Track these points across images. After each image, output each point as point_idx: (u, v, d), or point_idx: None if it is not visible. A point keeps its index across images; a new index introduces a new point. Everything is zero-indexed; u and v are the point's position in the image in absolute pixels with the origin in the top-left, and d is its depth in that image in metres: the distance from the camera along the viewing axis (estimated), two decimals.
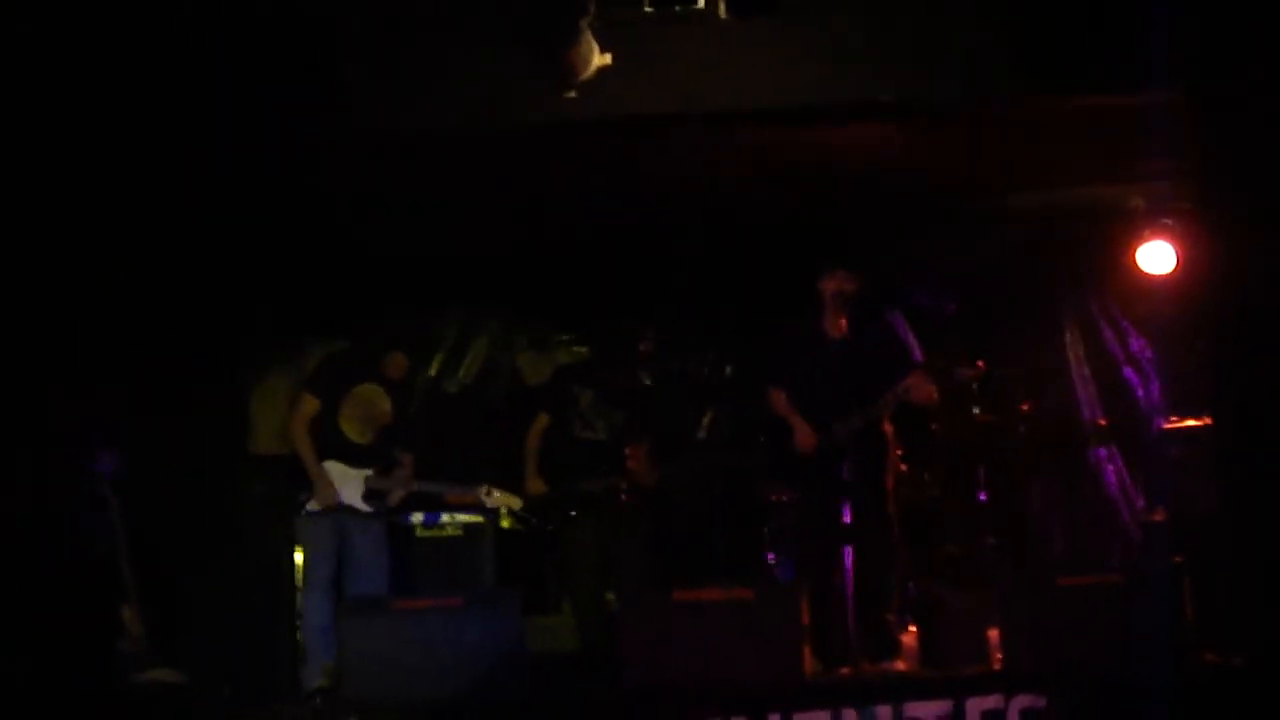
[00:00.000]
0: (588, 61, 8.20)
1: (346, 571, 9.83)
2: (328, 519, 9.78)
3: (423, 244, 10.78)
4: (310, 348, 11.19)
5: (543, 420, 10.28)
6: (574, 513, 10.03)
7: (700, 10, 8.39)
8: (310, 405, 9.92)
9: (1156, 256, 10.35)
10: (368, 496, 9.86)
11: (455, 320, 12.56)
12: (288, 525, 10.30)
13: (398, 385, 10.18)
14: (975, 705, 7.89)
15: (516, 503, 10.18)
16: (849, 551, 9.09)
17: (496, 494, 10.12)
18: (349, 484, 9.84)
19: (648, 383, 10.76)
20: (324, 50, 8.61)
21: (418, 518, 10.99)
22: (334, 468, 9.81)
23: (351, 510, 9.83)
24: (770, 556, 10.95)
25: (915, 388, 9.23)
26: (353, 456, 9.88)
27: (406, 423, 10.21)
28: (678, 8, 8.38)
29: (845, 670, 8.89)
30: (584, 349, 12.12)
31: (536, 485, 10.19)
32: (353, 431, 9.90)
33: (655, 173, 9.88)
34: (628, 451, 10.03)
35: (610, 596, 10.02)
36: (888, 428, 9.45)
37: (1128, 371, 11.61)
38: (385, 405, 10.02)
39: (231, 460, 11.05)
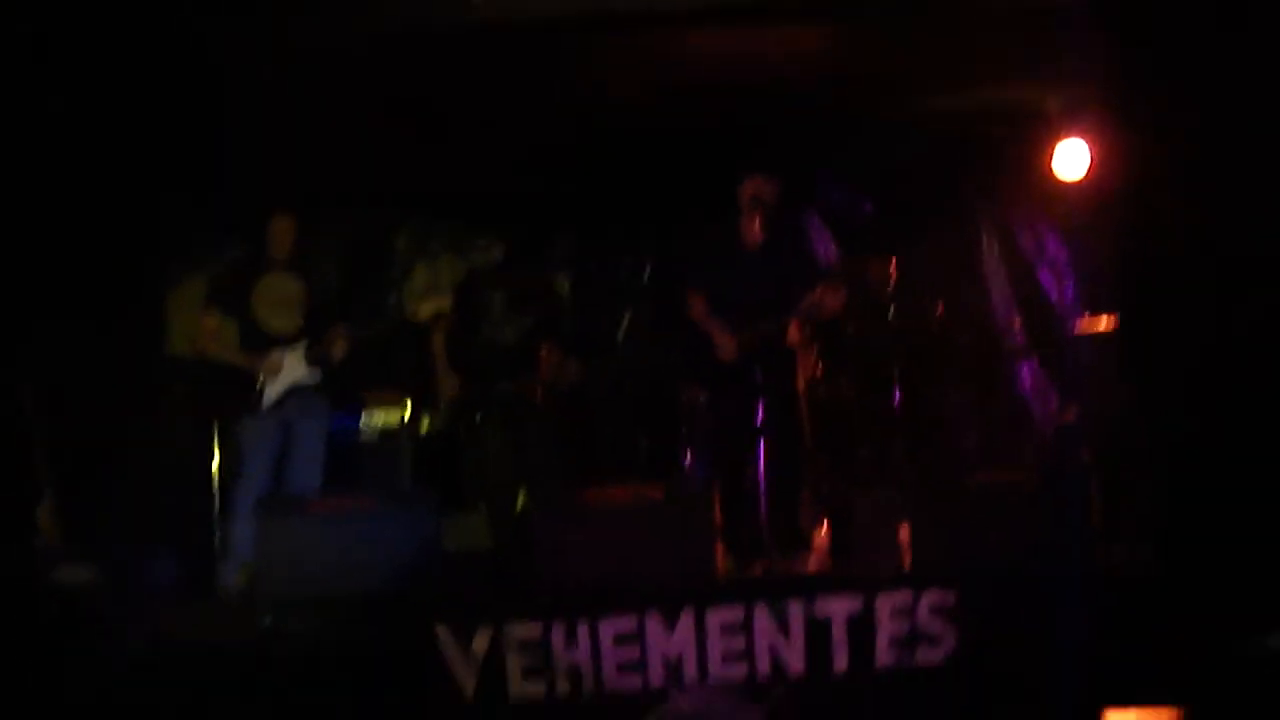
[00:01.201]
0: None
1: (285, 469, 9.80)
2: (274, 419, 9.72)
3: (337, 145, 10.72)
4: (229, 249, 11.10)
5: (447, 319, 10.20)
6: (485, 414, 9.99)
7: None
8: (211, 320, 9.84)
9: (1071, 158, 10.39)
10: (311, 362, 9.77)
11: (373, 221, 12.56)
12: (206, 424, 10.27)
13: (295, 262, 9.93)
14: (885, 601, 7.93)
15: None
16: (762, 452, 9.14)
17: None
18: (289, 366, 9.78)
19: (566, 285, 10.71)
20: None
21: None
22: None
23: (297, 394, 9.76)
24: (687, 456, 10.99)
25: (822, 302, 9.26)
26: (286, 344, 9.79)
27: (328, 295, 10.10)
28: None
29: (757, 568, 8.96)
30: (500, 252, 12.04)
31: (450, 384, 10.17)
32: (274, 321, 9.78)
33: (566, 78, 9.86)
34: (542, 354, 10.01)
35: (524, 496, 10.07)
36: (796, 333, 9.48)
37: (1042, 273, 11.69)
38: (293, 285, 9.86)
39: (148, 359, 10.99)
